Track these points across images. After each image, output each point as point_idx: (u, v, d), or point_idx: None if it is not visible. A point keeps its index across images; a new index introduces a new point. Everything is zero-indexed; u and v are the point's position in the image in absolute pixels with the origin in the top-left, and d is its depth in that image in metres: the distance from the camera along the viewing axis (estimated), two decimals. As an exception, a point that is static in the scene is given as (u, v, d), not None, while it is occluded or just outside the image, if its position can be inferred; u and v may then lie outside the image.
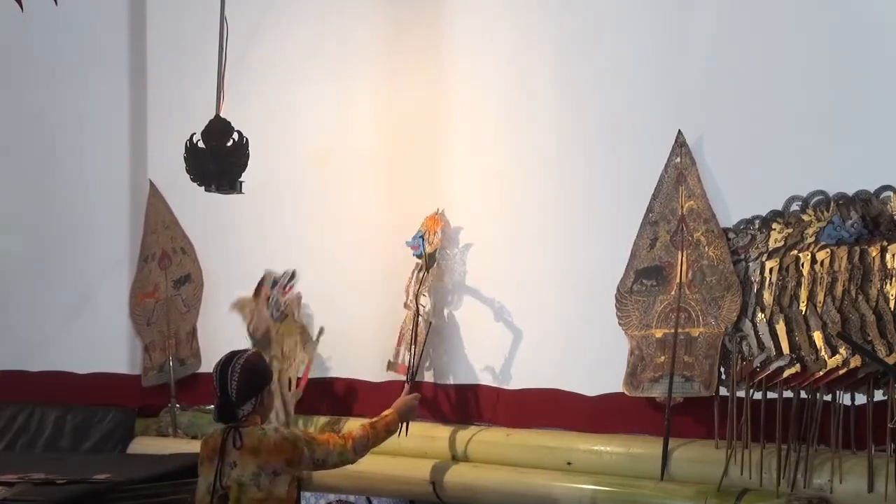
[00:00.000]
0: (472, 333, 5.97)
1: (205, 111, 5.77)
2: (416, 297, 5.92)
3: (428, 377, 6.06)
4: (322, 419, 6.29)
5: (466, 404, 5.94)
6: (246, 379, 4.84)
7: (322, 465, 5.04)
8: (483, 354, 5.92)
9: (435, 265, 5.94)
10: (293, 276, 6.26)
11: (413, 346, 5.86)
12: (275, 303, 6.24)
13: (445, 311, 6.00)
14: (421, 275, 5.95)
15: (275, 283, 6.29)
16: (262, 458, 4.78)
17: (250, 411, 4.85)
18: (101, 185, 7.32)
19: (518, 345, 5.82)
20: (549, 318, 5.72)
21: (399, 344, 6.03)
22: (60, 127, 7.40)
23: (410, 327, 5.92)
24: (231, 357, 4.91)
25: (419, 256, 5.99)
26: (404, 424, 5.49)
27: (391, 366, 6.05)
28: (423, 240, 5.97)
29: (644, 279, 5.40)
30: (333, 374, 6.40)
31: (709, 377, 5.12)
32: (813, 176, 5.04)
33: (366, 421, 5.31)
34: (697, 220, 5.30)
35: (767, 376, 4.96)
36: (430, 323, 5.86)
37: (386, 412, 5.38)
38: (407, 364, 5.89)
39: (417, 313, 5.88)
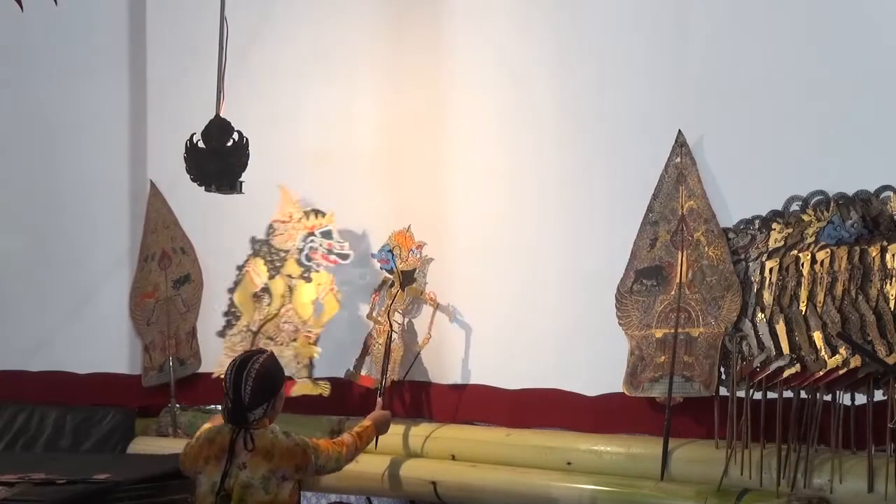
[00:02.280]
0: (472, 333, 5.96)
1: (205, 111, 5.76)
2: (389, 313, 5.92)
3: (428, 377, 6.06)
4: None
5: (466, 404, 5.94)
6: (260, 384, 4.82)
7: (321, 472, 5.06)
8: (483, 354, 5.92)
9: (414, 284, 5.95)
10: (348, 257, 6.14)
11: (385, 362, 5.85)
12: (310, 246, 6.15)
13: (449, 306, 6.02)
14: (394, 291, 5.94)
15: (327, 234, 6.17)
16: (274, 463, 4.78)
17: (262, 415, 4.84)
18: (101, 185, 7.31)
19: (518, 345, 5.82)
20: (549, 318, 5.73)
21: (363, 355, 6.04)
22: (60, 127, 7.40)
23: (380, 342, 5.93)
24: (247, 360, 4.88)
25: (389, 271, 5.99)
26: (376, 439, 5.52)
27: (351, 375, 6.07)
28: (391, 254, 5.96)
29: (644, 279, 5.41)
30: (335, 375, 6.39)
31: (709, 377, 5.12)
32: (813, 176, 5.04)
33: (353, 429, 5.32)
34: (697, 220, 5.30)
35: (767, 376, 4.96)
36: (418, 354, 5.93)
37: (366, 423, 5.42)
38: (373, 377, 5.94)
39: (391, 329, 5.90)
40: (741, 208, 5.23)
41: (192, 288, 6.99)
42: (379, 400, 5.77)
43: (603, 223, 5.60)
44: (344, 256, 6.14)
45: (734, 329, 5.11)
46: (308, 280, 6.18)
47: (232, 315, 6.44)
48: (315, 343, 6.14)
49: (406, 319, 6.00)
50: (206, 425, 5.10)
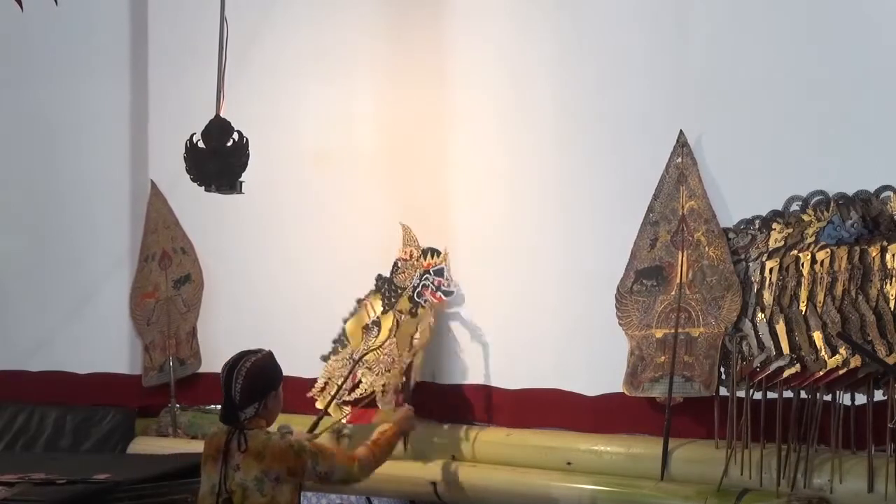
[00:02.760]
0: (472, 333, 5.96)
1: (205, 111, 5.76)
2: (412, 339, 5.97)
3: (428, 377, 6.06)
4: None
5: (466, 404, 5.94)
6: (250, 382, 4.75)
7: (326, 479, 4.92)
8: (483, 354, 5.92)
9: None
10: (452, 294, 6.11)
11: (409, 373, 5.88)
12: (423, 284, 6.17)
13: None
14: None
15: (439, 272, 6.18)
16: (265, 464, 4.71)
17: (253, 415, 4.77)
18: (101, 185, 7.32)
19: (518, 345, 5.82)
20: (550, 318, 5.72)
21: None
22: (60, 127, 7.40)
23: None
24: (239, 358, 4.82)
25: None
26: (405, 438, 5.49)
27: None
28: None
29: (644, 279, 5.41)
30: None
31: (709, 377, 5.12)
32: (813, 176, 5.04)
33: (369, 440, 5.25)
34: (698, 220, 5.30)
35: (767, 376, 4.96)
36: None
37: (385, 427, 5.32)
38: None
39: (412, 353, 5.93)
40: (741, 208, 5.23)
41: (192, 288, 7.00)
42: (401, 400, 5.77)
43: (603, 223, 5.60)
44: (448, 294, 6.14)
45: (734, 329, 5.11)
46: (414, 315, 6.18)
47: (340, 342, 6.41)
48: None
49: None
50: None
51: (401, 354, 6.06)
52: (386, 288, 6.29)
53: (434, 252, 6.16)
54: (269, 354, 4.91)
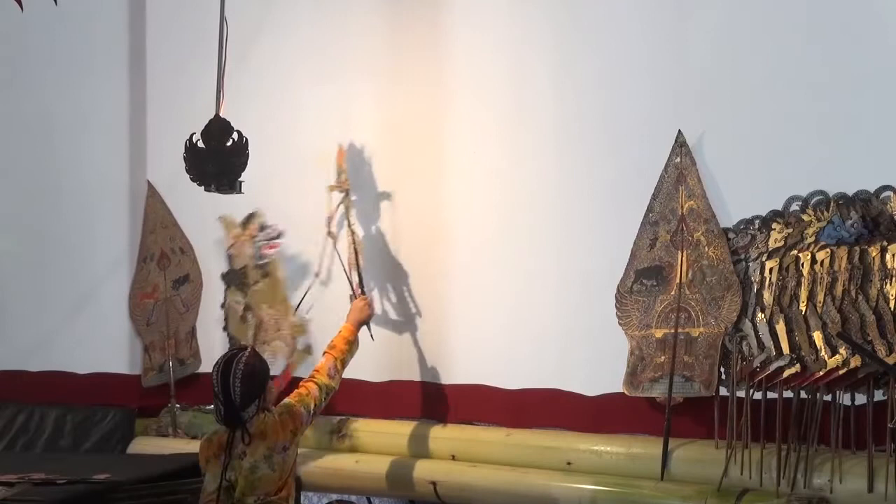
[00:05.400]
0: (472, 333, 5.96)
1: (205, 111, 5.76)
2: (349, 222, 6.09)
3: (428, 377, 6.07)
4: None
5: (466, 404, 5.94)
6: (249, 382, 4.87)
7: (318, 412, 5.21)
8: (483, 354, 5.92)
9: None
10: (280, 234, 6.38)
11: (358, 268, 5.99)
12: (258, 247, 6.33)
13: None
14: (348, 202, 6.11)
15: (262, 228, 6.43)
16: (270, 440, 4.87)
17: (255, 411, 4.89)
18: (100, 186, 7.31)
19: (518, 345, 5.82)
20: (549, 317, 5.72)
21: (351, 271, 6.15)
22: (60, 127, 7.39)
23: (348, 252, 6.07)
24: (230, 361, 4.90)
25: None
26: (368, 326, 5.74)
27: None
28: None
29: (644, 279, 5.41)
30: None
31: (709, 377, 5.13)
32: (813, 176, 5.04)
33: (330, 344, 5.46)
34: (697, 220, 5.30)
35: (767, 376, 4.97)
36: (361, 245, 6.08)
37: (342, 327, 5.56)
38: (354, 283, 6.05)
39: (354, 241, 6.04)
40: (741, 208, 5.23)
41: (191, 288, 6.99)
42: (354, 297, 5.89)
43: (603, 223, 5.60)
44: (278, 234, 6.34)
45: (734, 329, 5.11)
46: (266, 275, 6.40)
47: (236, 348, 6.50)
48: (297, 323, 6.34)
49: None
50: None
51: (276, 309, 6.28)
52: (233, 278, 6.41)
53: (249, 217, 6.49)
54: (254, 350, 5.10)
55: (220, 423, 4.93)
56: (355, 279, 5.98)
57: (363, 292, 5.95)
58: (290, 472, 4.94)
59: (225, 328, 6.66)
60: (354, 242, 6.06)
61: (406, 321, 6.17)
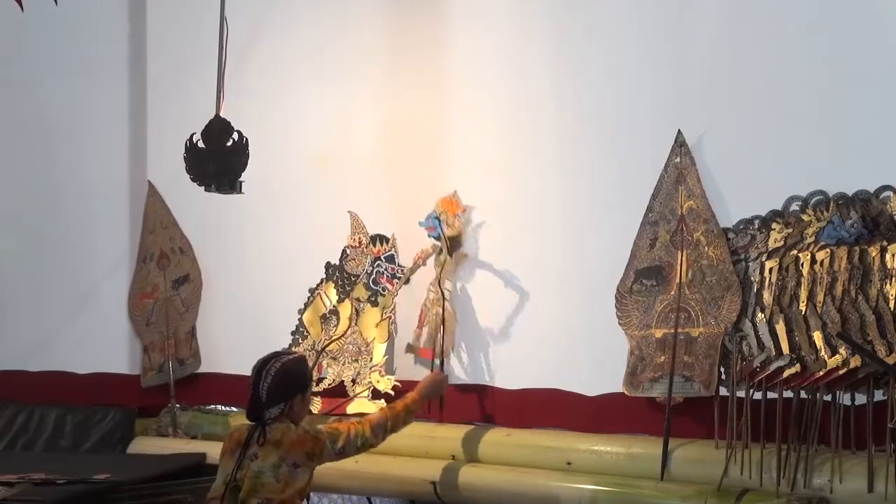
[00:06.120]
0: (472, 333, 5.96)
1: (205, 111, 5.76)
2: (440, 281, 5.89)
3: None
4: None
5: (466, 404, 5.94)
6: (277, 383, 4.86)
7: (343, 454, 5.06)
8: (483, 354, 5.92)
9: (460, 250, 5.95)
10: (405, 278, 6.16)
11: (443, 332, 5.83)
12: (377, 270, 6.22)
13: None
14: (443, 258, 5.93)
15: (390, 258, 6.23)
16: (283, 450, 4.81)
17: (278, 415, 4.87)
18: (100, 186, 7.31)
19: (518, 345, 5.82)
20: (549, 318, 5.73)
21: (420, 326, 6.04)
22: (60, 127, 7.39)
23: (434, 312, 5.92)
24: (270, 358, 4.93)
25: (437, 238, 5.97)
26: (440, 402, 5.61)
27: (410, 348, 6.07)
28: (439, 221, 5.95)
29: (644, 279, 5.41)
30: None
31: (709, 377, 5.13)
32: (813, 176, 5.04)
33: (385, 404, 5.31)
34: (697, 220, 5.30)
35: (767, 376, 4.96)
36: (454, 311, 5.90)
37: (408, 394, 5.40)
38: (431, 348, 5.92)
39: (444, 298, 5.86)
40: (741, 208, 5.23)
41: (191, 288, 7.00)
42: (436, 366, 5.78)
43: (603, 223, 5.60)
44: (398, 279, 6.19)
45: (734, 329, 5.11)
46: (375, 304, 6.23)
47: (300, 334, 6.44)
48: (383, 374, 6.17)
49: (459, 286, 5.98)
50: None
51: (368, 344, 6.11)
52: (337, 276, 6.36)
53: (383, 239, 6.24)
54: (301, 358, 5.08)
55: (246, 416, 4.96)
56: (441, 347, 5.84)
57: (442, 367, 5.82)
58: (297, 494, 4.85)
59: (301, 311, 6.46)
60: (444, 310, 5.88)
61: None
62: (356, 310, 6.26)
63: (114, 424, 7.05)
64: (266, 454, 4.80)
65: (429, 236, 6.00)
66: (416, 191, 6.18)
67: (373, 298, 6.23)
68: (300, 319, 6.43)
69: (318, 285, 6.42)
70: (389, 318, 6.17)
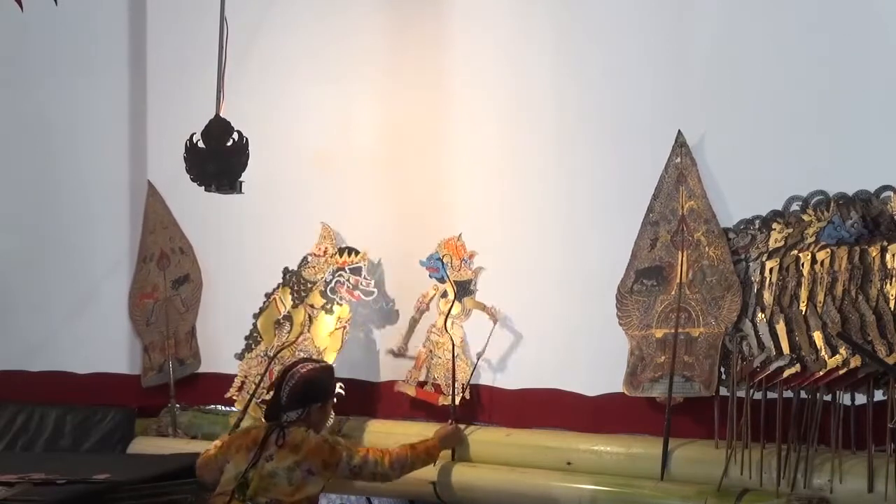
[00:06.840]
0: (473, 333, 5.96)
1: (205, 111, 5.76)
2: (448, 326, 5.88)
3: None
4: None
5: (467, 404, 5.93)
6: (299, 388, 4.97)
7: (357, 474, 5.11)
8: (483, 354, 5.91)
9: (473, 297, 5.93)
10: (370, 294, 6.16)
11: (453, 383, 5.79)
12: (336, 280, 6.20)
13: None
14: (448, 301, 5.92)
15: (356, 271, 6.21)
16: (300, 455, 4.88)
17: (294, 419, 4.95)
18: (100, 186, 7.31)
19: (518, 345, 5.83)
20: (550, 318, 5.73)
21: (417, 367, 6.03)
22: (60, 127, 7.39)
23: (439, 355, 5.92)
24: (297, 363, 5.08)
25: (439, 280, 5.98)
26: (453, 451, 5.63)
27: (404, 386, 6.06)
28: (442, 263, 5.94)
29: (644, 279, 5.41)
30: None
31: (709, 377, 5.12)
32: (813, 176, 5.05)
33: (407, 442, 5.35)
34: (698, 220, 5.30)
35: (767, 376, 4.96)
36: (475, 363, 5.83)
37: (429, 438, 5.46)
38: (436, 392, 5.94)
39: (454, 344, 5.82)
40: (741, 208, 5.23)
41: (191, 288, 6.99)
42: (451, 420, 5.74)
43: (603, 223, 5.60)
44: (368, 293, 6.18)
45: (734, 329, 5.11)
46: (329, 312, 6.22)
47: (253, 339, 6.47)
48: None
49: (463, 333, 5.96)
50: None
51: (320, 353, 6.05)
52: (294, 281, 6.35)
53: (352, 251, 6.24)
54: (327, 368, 5.14)
55: (264, 415, 5.03)
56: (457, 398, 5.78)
57: (454, 414, 5.76)
58: (307, 500, 4.90)
59: (256, 316, 6.50)
60: (455, 357, 5.81)
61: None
62: (309, 316, 6.27)
63: (114, 424, 7.05)
64: (283, 457, 4.85)
65: (430, 276, 6.00)
66: (416, 190, 6.18)
67: (328, 306, 6.25)
68: (254, 324, 6.49)
69: (274, 290, 6.47)
70: (344, 328, 6.16)
